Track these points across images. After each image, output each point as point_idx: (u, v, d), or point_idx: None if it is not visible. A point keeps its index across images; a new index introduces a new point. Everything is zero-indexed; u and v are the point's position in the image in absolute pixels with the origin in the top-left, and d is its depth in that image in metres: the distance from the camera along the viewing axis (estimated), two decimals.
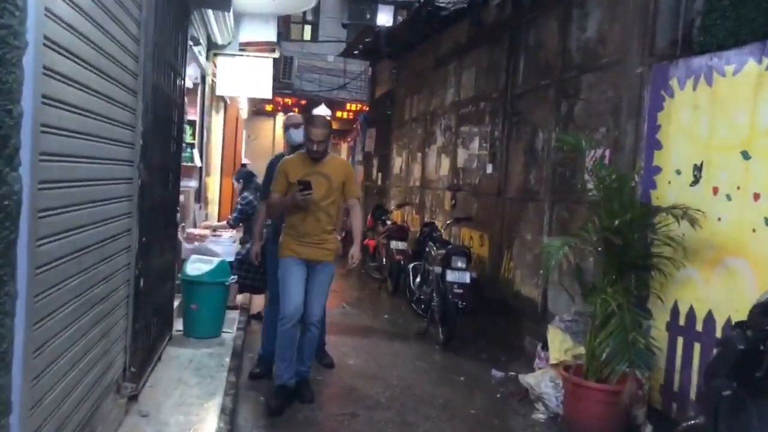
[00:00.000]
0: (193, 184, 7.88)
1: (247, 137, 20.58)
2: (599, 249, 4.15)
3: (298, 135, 5.38)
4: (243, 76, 8.20)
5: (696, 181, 4.45)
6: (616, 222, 3.96)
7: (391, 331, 7.57)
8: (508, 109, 7.24)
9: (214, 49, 8.01)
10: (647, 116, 4.95)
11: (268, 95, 8.43)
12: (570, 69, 6.00)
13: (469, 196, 8.27)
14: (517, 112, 7.06)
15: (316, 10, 20.82)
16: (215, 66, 8.11)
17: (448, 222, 8.09)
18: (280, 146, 21.91)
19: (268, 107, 20.80)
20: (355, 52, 12.43)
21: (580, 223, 5.69)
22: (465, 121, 8.56)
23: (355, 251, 4.90)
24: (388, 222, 10.44)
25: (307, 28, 20.77)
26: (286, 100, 20.77)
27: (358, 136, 16.35)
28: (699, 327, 4.35)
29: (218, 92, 8.18)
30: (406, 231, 9.82)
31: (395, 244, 9.52)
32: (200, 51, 7.12)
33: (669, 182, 4.72)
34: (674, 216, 3.84)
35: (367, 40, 11.04)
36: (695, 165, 4.46)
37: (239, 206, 7.26)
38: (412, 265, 8.25)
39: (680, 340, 4.52)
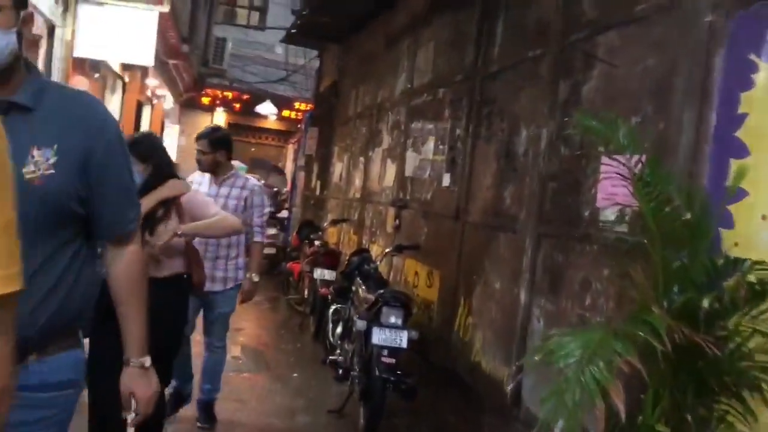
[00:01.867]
0: None
1: (180, 133, 18.18)
2: (654, 353, 1.93)
3: None
4: (114, 34, 5.88)
5: None
6: (705, 302, 1.77)
7: (293, 404, 5.28)
8: (477, 95, 5.06)
9: None
10: (719, 99, 2.81)
11: (148, 61, 6.13)
12: (577, 29, 3.84)
13: (417, 217, 6.06)
14: (490, 100, 4.89)
15: None
16: (74, 17, 5.78)
17: (387, 250, 5.85)
18: None
19: (205, 99, 18.39)
20: (293, 31, 10.18)
21: (584, 273, 3.51)
22: (417, 116, 6.37)
23: None
24: (317, 242, 8.16)
25: (255, 15, 18.43)
26: (226, 93, 18.43)
27: (303, 138, 14.06)
28: None
29: (77, 53, 5.85)
30: (337, 256, 7.55)
31: (320, 273, 7.25)
32: None
33: (764, 217, 2.58)
34: None
35: (303, 12, 8.81)
36: None
37: None
38: (333, 307, 5.99)
39: None
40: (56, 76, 5.81)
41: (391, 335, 4.43)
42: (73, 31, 5.87)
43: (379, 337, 4.41)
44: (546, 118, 4.03)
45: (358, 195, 8.39)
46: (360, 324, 4.61)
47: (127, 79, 9.08)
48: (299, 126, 15.89)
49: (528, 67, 4.37)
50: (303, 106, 18.53)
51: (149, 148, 3.22)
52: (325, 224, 8.79)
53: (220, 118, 19.21)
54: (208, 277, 3.90)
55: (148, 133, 4.48)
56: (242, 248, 4.49)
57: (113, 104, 9.18)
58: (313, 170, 12.11)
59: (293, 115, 18.97)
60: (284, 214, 15.18)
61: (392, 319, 4.46)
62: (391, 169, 7.00)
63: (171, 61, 9.89)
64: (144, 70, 9.39)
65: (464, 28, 5.48)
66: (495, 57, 4.91)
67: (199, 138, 4.41)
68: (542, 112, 4.08)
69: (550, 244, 3.90)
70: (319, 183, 11.21)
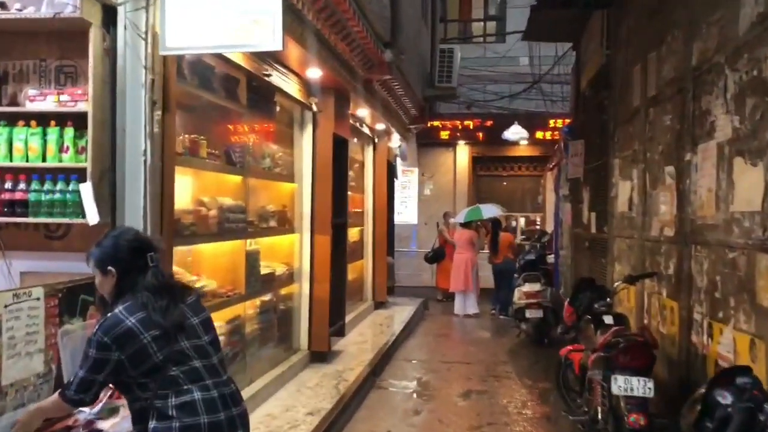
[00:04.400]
0: None
1: (420, 176, 16.00)
2: None
3: None
4: (215, 13, 3.43)
5: None
6: None
7: None
8: None
9: None
10: None
11: (276, 45, 3.56)
12: None
13: None
14: None
15: (502, 3, 15.74)
16: None
17: None
18: (463, 185, 16.90)
19: (444, 134, 16.01)
20: (537, 13, 7.11)
21: None
22: None
23: None
24: (607, 319, 4.84)
25: (491, 26, 15.74)
26: (466, 122, 15.85)
27: (564, 160, 10.77)
28: None
29: (167, 46, 3.49)
30: (648, 351, 4.18)
31: (624, 385, 3.95)
32: None
33: None
34: None
35: None
36: None
37: None
38: None
39: None
40: (147, 88, 3.48)
41: None
42: (150, 7, 3.50)
43: None
44: None
45: (669, 231, 4.92)
46: None
47: (315, 108, 6.79)
48: (557, 146, 12.61)
49: None
50: (560, 123, 15.23)
51: None
52: (616, 285, 5.39)
53: (462, 153, 16.68)
54: None
55: None
56: None
57: (305, 142, 6.95)
58: (582, 199, 8.78)
59: (548, 135, 15.72)
60: (550, 259, 11.93)
61: None
62: (750, 176, 3.50)
63: (375, 78, 7.44)
64: (339, 93, 7.03)
65: None
66: None
67: None
68: None
69: None
70: (593, 216, 7.84)
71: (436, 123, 15.35)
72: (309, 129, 6.94)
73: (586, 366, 5.04)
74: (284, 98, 6.39)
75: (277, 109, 6.46)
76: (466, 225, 12.05)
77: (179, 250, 4.41)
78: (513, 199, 17.01)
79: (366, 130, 9.85)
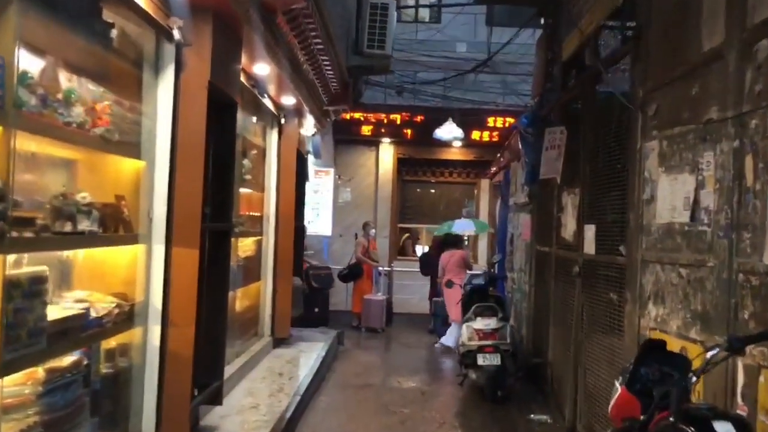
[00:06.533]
0: None
1: (335, 178, 13.44)
2: None
3: None
4: None
5: None
6: None
7: None
8: None
9: None
10: None
11: None
12: None
13: None
14: None
15: None
16: None
17: None
18: (386, 192, 14.50)
19: (366, 129, 13.55)
20: None
21: None
22: None
23: None
24: (722, 429, 2.44)
25: (424, 10, 13.46)
26: (393, 116, 13.48)
27: (522, 159, 8.45)
28: None
29: None
30: None
31: None
32: None
33: None
34: None
35: None
36: None
37: None
38: None
39: None
40: None
41: None
42: None
43: None
44: None
45: None
46: None
47: (177, 36, 4.09)
48: (506, 144, 10.34)
49: None
50: (500, 122, 13.14)
51: None
52: (711, 355, 2.97)
53: (387, 153, 14.26)
54: None
55: None
56: None
57: (160, 92, 4.21)
58: (561, 207, 6.48)
59: (485, 136, 13.59)
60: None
61: None
62: None
63: (280, 5, 4.84)
64: (222, 20, 4.39)
65: None
66: None
67: None
68: None
69: None
70: (591, 230, 5.52)
71: (357, 115, 12.89)
72: (169, 72, 4.21)
73: None
74: (121, 10, 3.69)
75: (113, 30, 3.76)
76: (450, 244, 10.68)
77: None
78: (436, 211, 14.69)
79: (269, 103, 7.21)
